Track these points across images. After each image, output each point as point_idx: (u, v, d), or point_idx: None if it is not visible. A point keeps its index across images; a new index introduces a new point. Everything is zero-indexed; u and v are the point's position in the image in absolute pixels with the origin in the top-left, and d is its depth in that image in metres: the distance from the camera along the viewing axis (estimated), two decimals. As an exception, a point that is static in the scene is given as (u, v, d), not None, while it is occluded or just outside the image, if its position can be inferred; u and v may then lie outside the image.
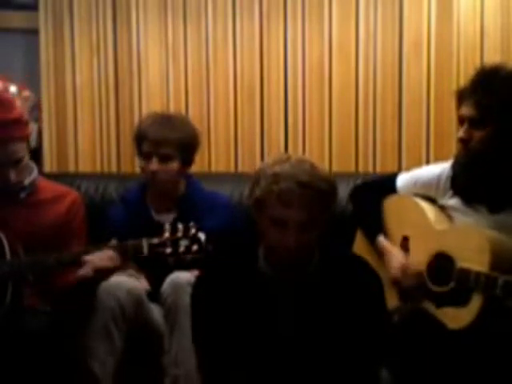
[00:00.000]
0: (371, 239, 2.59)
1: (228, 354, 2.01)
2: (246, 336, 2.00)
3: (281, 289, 2.01)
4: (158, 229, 2.37)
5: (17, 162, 2.47)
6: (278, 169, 1.93)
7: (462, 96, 2.43)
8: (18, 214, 2.52)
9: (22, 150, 2.48)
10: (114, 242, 2.44)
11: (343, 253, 2.24)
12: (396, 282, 2.47)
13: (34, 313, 2.42)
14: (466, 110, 2.39)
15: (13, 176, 2.46)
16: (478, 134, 2.37)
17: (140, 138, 2.75)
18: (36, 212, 2.56)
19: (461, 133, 2.41)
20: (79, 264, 2.38)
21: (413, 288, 2.43)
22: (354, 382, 2.00)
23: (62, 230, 2.57)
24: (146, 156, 2.72)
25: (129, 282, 2.52)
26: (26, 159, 2.54)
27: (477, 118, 2.36)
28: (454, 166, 2.49)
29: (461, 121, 2.43)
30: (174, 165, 2.72)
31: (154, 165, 2.69)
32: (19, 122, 2.49)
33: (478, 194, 2.43)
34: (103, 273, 2.40)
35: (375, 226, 2.60)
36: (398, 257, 2.49)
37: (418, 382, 2.29)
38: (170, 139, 2.69)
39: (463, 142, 2.41)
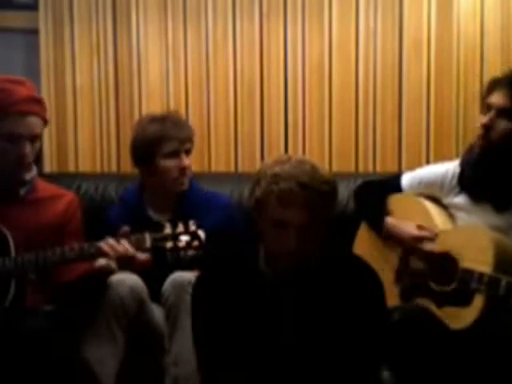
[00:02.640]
0: (377, 225, 2.59)
1: (228, 355, 2.01)
2: (246, 336, 2.00)
3: (281, 289, 2.01)
4: (157, 228, 2.37)
5: (34, 138, 2.47)
6: (278, 169, 1.93)
7: (495, 84, 2.45)
8: (18, 211, 2.52)
9: (40, 128, 2.49)
10: (126, 228, 2.43)
11: (343, 253, 2.23)
12: (409, 248, 2.47)
13: (34, 313, 2.41)
14: (498, 99, 2.40)
15: (28, 149, 2.45)
16: (502, 124, 2.39)
17: (159, 140, 2.70)
18: (35, 210, 2.56)
19: (485, 119, 2.42)
20: (83, 259, 2.39)
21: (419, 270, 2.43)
22: (354, 382, 2.00)
23: (60, 229, 2.57)
24: (171, 155, 2.71)
25: (131, 280, 2.50)
26: (40, 143, 2.56)
27: (507, 107, 2.38)
28: (466, 157, 2.50)
29: (488, 108, 2.44)
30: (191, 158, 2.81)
31: (187, 160, 2.74)
32: (41, 103, 2.52)
33: (486, 192, 2.43)
34: (126, 260, 2.37)
35: (380, 213, 2.60)
36: (412, 224, 2.51)
37: (419, 382, 2.29)
38: (190, 135, 2.78)
39: (485, 128, 2.42)
